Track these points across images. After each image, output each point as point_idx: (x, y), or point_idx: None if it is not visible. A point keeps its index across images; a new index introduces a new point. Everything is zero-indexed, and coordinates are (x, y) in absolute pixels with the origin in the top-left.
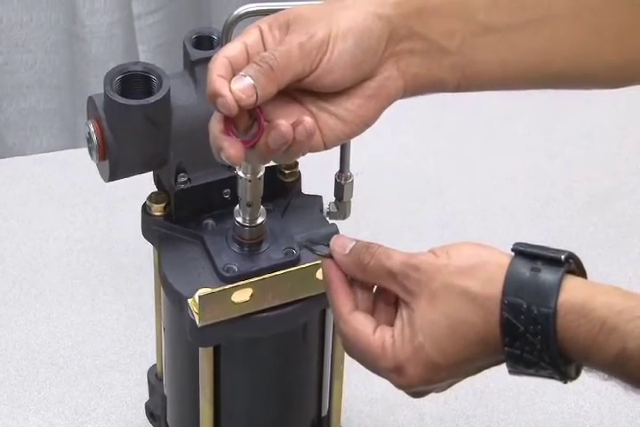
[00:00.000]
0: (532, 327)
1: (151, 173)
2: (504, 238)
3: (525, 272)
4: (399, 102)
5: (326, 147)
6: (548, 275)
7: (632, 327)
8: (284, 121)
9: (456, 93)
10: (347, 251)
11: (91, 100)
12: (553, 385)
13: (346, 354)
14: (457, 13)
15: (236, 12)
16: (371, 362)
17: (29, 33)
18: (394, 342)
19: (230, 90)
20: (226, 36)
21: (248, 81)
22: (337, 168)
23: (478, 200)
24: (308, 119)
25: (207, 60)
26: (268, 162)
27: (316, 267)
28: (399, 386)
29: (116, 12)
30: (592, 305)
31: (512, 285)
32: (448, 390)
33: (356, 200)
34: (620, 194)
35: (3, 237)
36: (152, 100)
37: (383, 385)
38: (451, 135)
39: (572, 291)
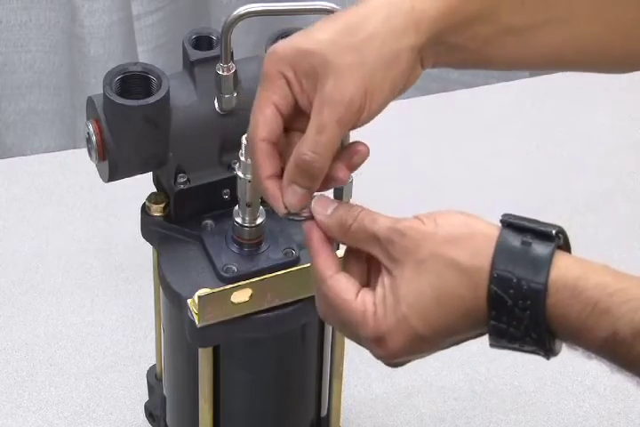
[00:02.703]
0: (520, 302)
1: (150, 173)
2: None
3: (515, 246)
4: (399, 103)
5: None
6: (538, 250)
7: (624, 311)
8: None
9: (456, 94)
10: (328, 211)
11: (90, 100)
12: (552, 386)
13: (347, 352)
14: (486, 18)
15: (235, 13)
16: (351, 330)
17: (28, 33)
18: (375, 310)
19: (284, 202)
20: (225, 37)
21: (299, 194)
22: None
23: (478, 200)
24: (363, 148)
25: (206, 60)
26: None
27: None
28: (379, 357)
29: (116, 12)
30: (584, 285)
31: (501, 258)
32: (448, 391)
33: (356, 201)
34: (619, 194)
35: (2, 237)
36: (151, 100)
37: (383, 386)
38: (450, 136)
39: (563, 268)
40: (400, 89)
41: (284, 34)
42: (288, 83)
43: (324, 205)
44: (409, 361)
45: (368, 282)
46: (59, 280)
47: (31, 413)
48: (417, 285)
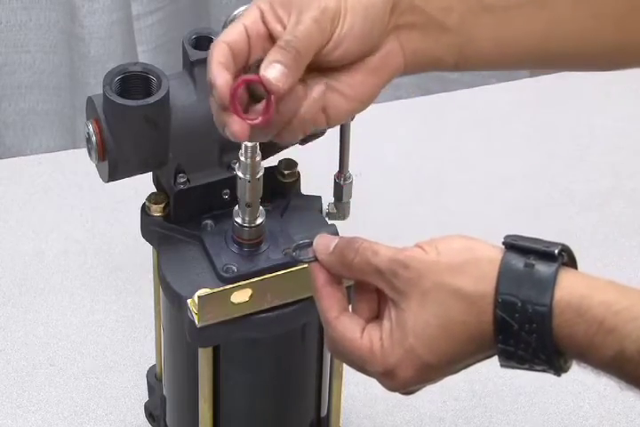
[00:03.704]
0: (527, 326)
1: (150, 173)
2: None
3: (518, 269)
4: (399, 103)
5: (329, 124)
6: (541, 271)
7: (630, 329)
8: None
9: (455, 93)
10: (330, 249)
11: (90, 100)
12: (552, 386)
13: None
14: None
15: (235, 13)
16: (360, 366)
17: (28, 33)
18: (382, 344)
19: (262, 76)
20: None
21: (280, 68)
22: (336, 169)
23: (478, 200)
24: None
25: (206, 60)
26: (269, 138)
27: None
28: (391, 389)
29: (116, 12)
30: (589, 304)
31: (505, 282)
32: (447, 391)
33: (356, 201)
34: (619, 194)
35: (2, 237)
36: (151, 100)
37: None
38: (450, 135)
39: (567, 288)
40: (375, 33)
41: None
42: (261, 12)
43: (325, 243)
44: (422, 387)
45: (379, 311)
46: (59, 280)
47: (31, 413)
48: (423, 316)
